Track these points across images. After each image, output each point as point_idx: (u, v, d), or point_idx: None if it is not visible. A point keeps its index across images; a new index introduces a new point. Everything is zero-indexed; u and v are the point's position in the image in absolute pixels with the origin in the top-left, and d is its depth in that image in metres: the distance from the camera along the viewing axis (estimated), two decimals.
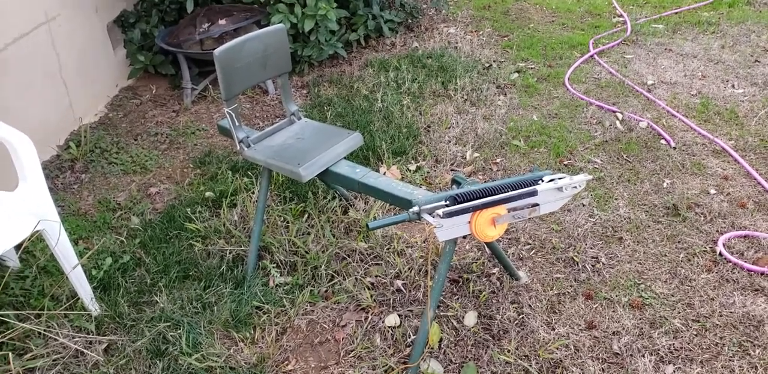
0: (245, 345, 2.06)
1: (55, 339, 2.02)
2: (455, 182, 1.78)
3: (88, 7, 3.50)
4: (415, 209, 1.58)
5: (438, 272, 1.82)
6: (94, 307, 2.17)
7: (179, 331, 2.06)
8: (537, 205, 1.69)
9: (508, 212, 1.66)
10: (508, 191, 1.65)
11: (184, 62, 3.62)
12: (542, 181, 1.72)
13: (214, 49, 3.56)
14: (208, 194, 2.78)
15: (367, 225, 1.52)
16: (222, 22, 3.51)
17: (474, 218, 1.62)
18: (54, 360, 1.99)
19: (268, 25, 3.56)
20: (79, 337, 2.07)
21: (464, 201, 1.61)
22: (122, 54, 3.88)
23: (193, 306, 2.19)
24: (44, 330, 2.01)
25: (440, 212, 1.55)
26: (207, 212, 2.66)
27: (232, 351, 2.03)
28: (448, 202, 1.61)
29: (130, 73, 3.91)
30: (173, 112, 3.64)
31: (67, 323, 2.12)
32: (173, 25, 3.87)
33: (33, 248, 2.40)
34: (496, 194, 1.64)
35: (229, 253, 2.42)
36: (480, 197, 1.62)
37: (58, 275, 2.30)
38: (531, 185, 1.70)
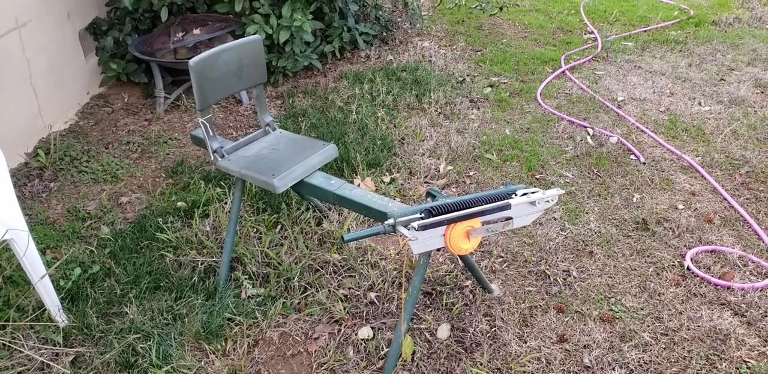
0: (216, 357, 2.03)
1: (20, 351, 1.96)
2: (430, 195, 1.80)
3: (60, 13, 3.46)
4: (390, 221, 1.58)
5: (412, 285, 1.82)
6: (61, 318, 2.12)
7: (149, 343, 2.02)
8: (510, 218, 1.71)
9: (482, 225, 1.68)
10: (482, 205, 1.67)
11: (158, 71, 3.59)
12: (515, 195, 1.75)
13: (188, 58, 3.57)
14: (180, 204, 2.75)
15: (342, 237, 1.52)
16: (197, 31, 3.49)
17: (448, 231, 1.63)
18: (19, 373, 1.93)
19: (243, 35, 3.57)
20: (46, 349, 2.01)
21: (439, 214, 1.62)
22: (94, 61, 3.83)
23: (164, 317, 2.15)
24: (9, 342, 1.95)
25: (415, 224, 1.56)
26: (179, 223, 2.63)
27: (203, 363, 2.00)
28: (423, 215, 1.62)
29: (102, 81, 3.86)
30: (145, 121, 3.60)
31: (33, 334, 2.07)
32: (147, 33, 3.84)
33: None
34: (470, 208, 1.65)
35: (201, 264, 2.39)
36: (454, 211, 1.64)
37: (24, 285, 2.24)
38: (504, 199, 1.72)
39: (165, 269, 2.38)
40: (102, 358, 1.99)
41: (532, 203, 1.73)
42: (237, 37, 3.67)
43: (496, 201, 1.70)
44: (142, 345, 2.02)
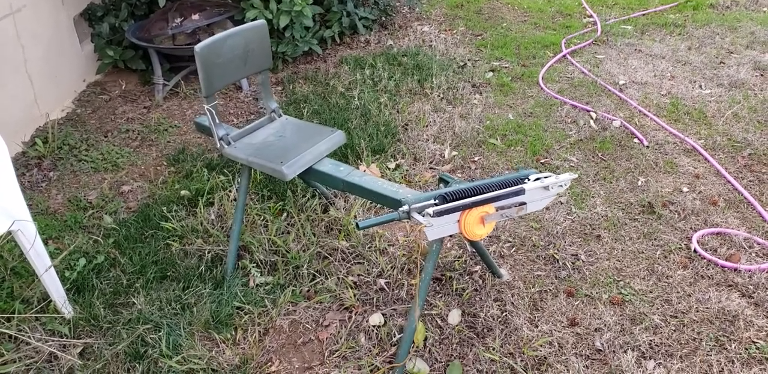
0: (227, 346, 2.02)
1: (28, 343, 1.94)
2: (442, 180, 1.78)
3: None
4: (405, 208, 1.57)
5: (424, 271, 1.81)
6: (67, 309, 2.09)
7: (159, 333, 2.01)
8: (524, 204, 1.69)
9: (496, 210, 1.66)
10: (496, 190, 1.66)
11: (156, 57, 3.53)
12: (528, 180, 1.73)
13: (187, 44, 3.52)
14: (183, 192, 2.72)
15: (357, 224, 1.51)
16: (195, 17, 3.43)
17: (463, 217, 1.62)
18: (27, 365, 1.91)
19: (242, 20, 3.52)
20: (53, 341, 2.00)
21: (453, 200, 1.60)
22: (89, 48, 3.76)
23: (172, 307, 2.14)
24: (15, 334, 1.93)
25: (430, 210, 1.54)
26: (183, 211, 2.60)
27: (213, 352, 1.99)
28: (437, 201, 1.60)
29: (98, 68, 3.79)
30: (144, 108, 3.55)
31: (39, 326, 2.05)
32: (143, 19, 3.77)
33: (0, 249, 2.30)
34: (484, 193, 1.64)
35: (208, 253, 2.37)
36: (469, 196, 1.62)
37: (27, 277, 2.21)
38: (517, 184, 1.71)
39: (171, 258, 2.36)
40: (111, 349, 1.97)
41: (546, 187, 1.72)
42: (236, 23, 3.62)
43: (509, 186, 1.68)
44: (151, 336, 2.00)
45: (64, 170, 2.97)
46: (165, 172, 2.96)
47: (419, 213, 1.57)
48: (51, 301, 2.08)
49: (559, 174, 1.77)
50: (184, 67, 3.71)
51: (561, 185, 1.74)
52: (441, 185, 1.78)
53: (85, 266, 2.28)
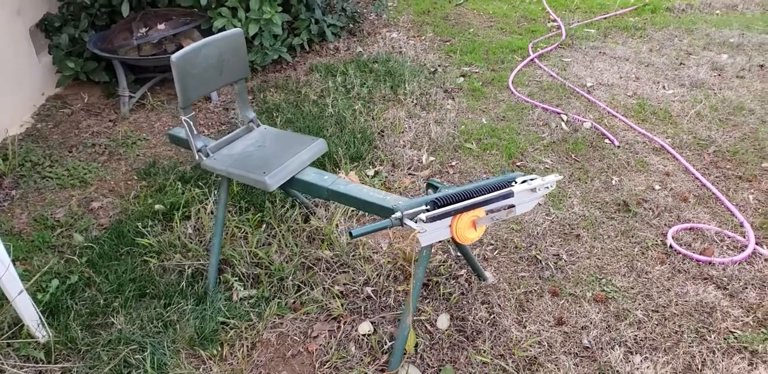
0: (214, 362, 1.96)
1: (1, 371, 1.85)
2: (431, 186, 1.77)
3: (10, 9, 3.27)
4: (398, 214, 1.55)
5: (415, 277, 1.80)
6: (41, 333, 2.00)
7: (143, 354, 1.94)
8: (513, 206, 1.70)
9: (487, 214, 1.66)
10: (484, 194, 1.66)
11: (121, 69, 3.44)
12: (515, 182, 1.74)
13: (153, 54, 3.44)
14: (157, 206, 2.65)
15: (350, 233, 1.48)
16: (161, 26, 3.36)
17: (455, 221, 1.61)
18: None
19: (209, 29, 3.46)
20: (28, 367, 1.91)
21: (444, 205, 1.60)
22: (47, 60, 3.64)
23: (154, 325, 2.07)
24: None
25: (423, 216, 1.53)
26: (159, 226, 2.53)
27: (201, 370, 1.93)
28: (429, 207, 1.60)
29: (58, 81, 3.68)
30: (110, 121, 3.45)
31: (12, 352, 1.96)
32: (105, 29, 3.68)
33: None
34: (474, 197, 1.64)
35: (188, 268, 2.31)
36: (459, 201, 1.62)
37: None
38: (505, 187, 1.71)
39: (149, 275, 2.29)
40: (92, 373, 1.90)
41: (533, 189, 1.73)
42: (203, 32, 3.56)
43: (497, 190, 1.69)
44: (136, 356, 1.93)
45: (28, 188, 2.85)
46: (136, 186, 2.88)
47: (411, 220, 1.56)
48: (23, 325, 1.99)
49: (544, 176, 1.79)
50: (149, 79, 3.63)
51: (547, 187, 1.75)
52: (429, 190, 1.77)
53: (58, 287, 2.19)
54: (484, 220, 1.65)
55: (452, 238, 1.65)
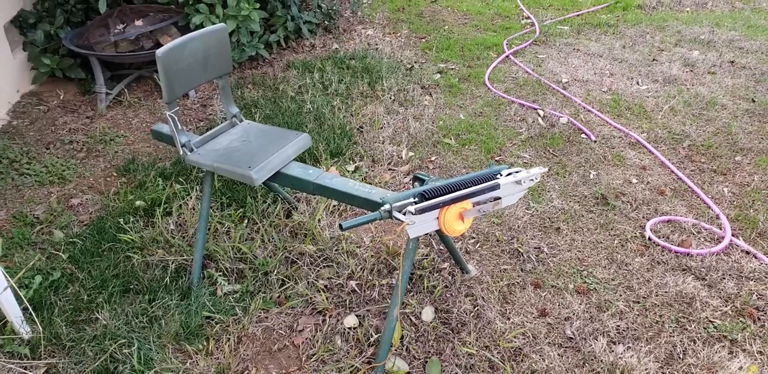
0: (201, 357, 1.96)
1: None
2: (418, 179, 1.80)
3: None
4: (387, 207, 1.57)
5: (402, 270, 1.82)
6: (25, 330, 1.98)
7: (129, 348, 1.93)
8: (499, 198, 1.73)
9: (473, 206, 1.69)
10: (471, 186, 1.69)
11: (97, 65, 3.40)
12: (501, 175, 1.77)
13: (130, 51, 3.40)
14: (138, 203, 2.63)
15: (340, 226, 1.50)
16: (138, 23, 3.32)
17: (442, 213, 1.64)
18: None
19: (187, 26, 3.43)
20: (13, 364, 1.88)
21: (432, 197, 1.62)
22: (22, 57, 3.58)
23: (140, 320, 2.06)
24: None
25: (412, 208, 1.55)
26: (140, 222, 2.51)
27: (187, 364, 1.93)
28: (417, 199, 1.62)
29: (33, 78, 3.61)
30: (87, 118, 3.41)
31: None
32: (80, 26, 3.62)
33: None
34: (461, 189, 1.66)
35: (171, 263, 2.30)
36: (447, 193, 1.64)
37: None
38: (491, 180, 1.74)
39: (133, 271, 2.27)
40: (77, 368, 1.88)
41: (518, 182, 1.76)
42: (180, 28, 3.53)
43: (483, 182, 1.72)
44: (122, 351, 1.92)
45: (6, 185, 2.81)
46: (116, 183, 2.85)
47: (400, 212, 1.58)
48: (6, 322, 1.96)
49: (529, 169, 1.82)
50: (126, 75, 3.59)
51: (532, 179, 1.79)
52: (416, 183, 1.79)
53: (41, 283, 2.17)
54: (471, 212, 1.68)
55: (440, 230, 1.68)
